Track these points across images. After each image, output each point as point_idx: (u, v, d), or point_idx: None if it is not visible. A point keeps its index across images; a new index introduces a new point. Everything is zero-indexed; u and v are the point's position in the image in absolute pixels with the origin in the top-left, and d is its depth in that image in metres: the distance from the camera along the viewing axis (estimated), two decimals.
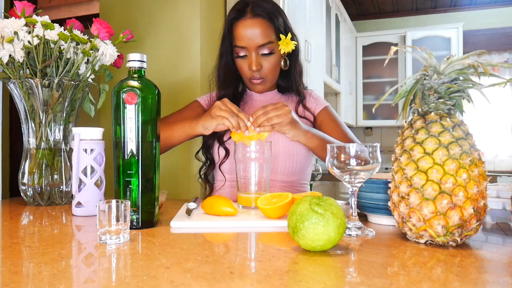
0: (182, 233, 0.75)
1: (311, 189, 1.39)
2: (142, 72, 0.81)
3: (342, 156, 0.72)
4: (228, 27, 1.19)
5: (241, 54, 1.18)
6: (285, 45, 1.15)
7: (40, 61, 1.06)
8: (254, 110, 1.27)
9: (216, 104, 1.02)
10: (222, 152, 1.23)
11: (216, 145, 1.24)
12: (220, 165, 1.25)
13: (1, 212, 1.03)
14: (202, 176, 1.28)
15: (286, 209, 0.82)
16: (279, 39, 1.17)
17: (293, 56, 1.26)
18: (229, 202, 0.87)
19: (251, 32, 1.15)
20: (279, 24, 1.19)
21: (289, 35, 1.16)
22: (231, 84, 1.26)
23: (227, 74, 1.25)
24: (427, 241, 0.66)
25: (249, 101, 1.31)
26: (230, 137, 1.23)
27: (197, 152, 1.30)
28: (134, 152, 0.77)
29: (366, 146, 0.72)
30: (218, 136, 1.23)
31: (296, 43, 1.19)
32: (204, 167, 1.29)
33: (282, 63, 1.24)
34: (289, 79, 1.29)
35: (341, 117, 3.79)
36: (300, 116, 1.27)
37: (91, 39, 1.12)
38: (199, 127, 1.06)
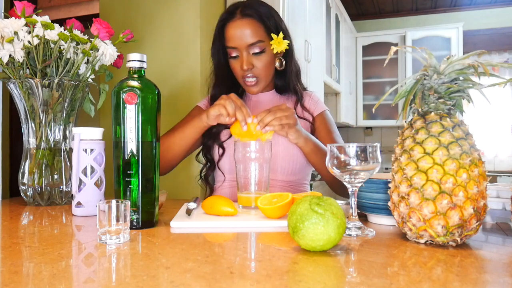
0: (182, 233, 0.75)
1: (311, 189, 1.39)
2: (142, 72, 0.81)
3: (342, 156, 0.72)
4: (218, 28, 1.21)
5: (233, 54, 1.20)
6: (278, 45, 1.16)
7: (40, 61, 1.06)
8: (253, 112, 1.27)
9: (221, 96, 1.04)
10: (221, 151, 1.23)
11: (216, 145, 1.24)
12: (218, 162, 1.25)
13: (1, 212, 1.03)
14: (203, 177, 1.29)
15: (286, 209, 0.82)
16: (271, 39, 1.18)
17: (288, 55, 1.26)
18: (229, 202, 0.87)
19: (240, 32, 1.16)
20: (270, 24, 1.19)
21: (281, 34, 1.16)
22: (223, 83, 1.27)
23: (219, 74, 1.26)
24: (427, 241, 0.66)
25: (248, 102, 1.31)
26: (228, 138, 1.23)
27: (197, 154, 1.30)
28: (134, 152, 0.77)
29: (366, 146, 0.72)
30: (215, 134, 1.23)
31: (288, 42, 1.19)
32: (205, 168, 1.29)
33: (278, 63, 1.24)
34: (285, 79, 1.29)
35: (341, 118, 3.79)
36: (299, 117, 1.27)
37: (91, 39, 1.12)
38: (204, 117, 1.07)
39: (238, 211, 0.89)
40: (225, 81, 1.27)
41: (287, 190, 1.23)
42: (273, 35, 1.16)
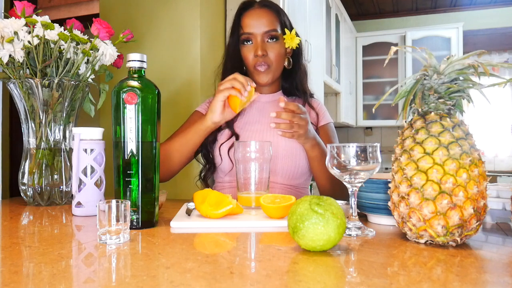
0: (182, 233, 0.75)
1: (311, 189, 1.39)
2: (142, 72, 0.81)
3: (342, 156, 0.72)
4: (236, 17, 1.25)
5: (247, 42, 1.22)
6: (290, 40, 1.20)
7: (40, 61, 1.06)
8: (258, 112, 1.27)
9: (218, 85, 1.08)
10: (223, 150, 1.22)
11: (216, 147, 1.23)
12: (218, 163, 1.24)
13: (1, 212, 1.03)
14: (202, 178, 1.28)
15: (288, 211, 0.81)
16: (284, 33, 1.21)
17: (296, 55, 1.29)
18: (224, 201, 0.84)
19: (257, 19, 1.21)
20: (284, 19, 1.25)
21: (294, 31, 1.20)
22: (238, 71, 1.26)
23: (235, 62, 1.27)
24: (427, 241, 0.66)
25: (253, 103, 1.29)
26: (228, 138, 1.22)
27: (197, 154, 1.30)
28: (134, 152, 0.77)
29: (366, 147, 0.72)
30: (214, 135, 1.23)
31: (300, 39, 1.22)
32: (204, 170, 1.29)
33: (286, 62, 1.27)
34: (293, 79, 1.30)
35: (341, 118, 3.79)
36: None
37: (91, 39, 1.12)
38: (207, 117, 1.09)
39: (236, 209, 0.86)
40: (240, 70, 1.27)
41: (287, 193, 1.22)
42: (286, 30, 1.20)
